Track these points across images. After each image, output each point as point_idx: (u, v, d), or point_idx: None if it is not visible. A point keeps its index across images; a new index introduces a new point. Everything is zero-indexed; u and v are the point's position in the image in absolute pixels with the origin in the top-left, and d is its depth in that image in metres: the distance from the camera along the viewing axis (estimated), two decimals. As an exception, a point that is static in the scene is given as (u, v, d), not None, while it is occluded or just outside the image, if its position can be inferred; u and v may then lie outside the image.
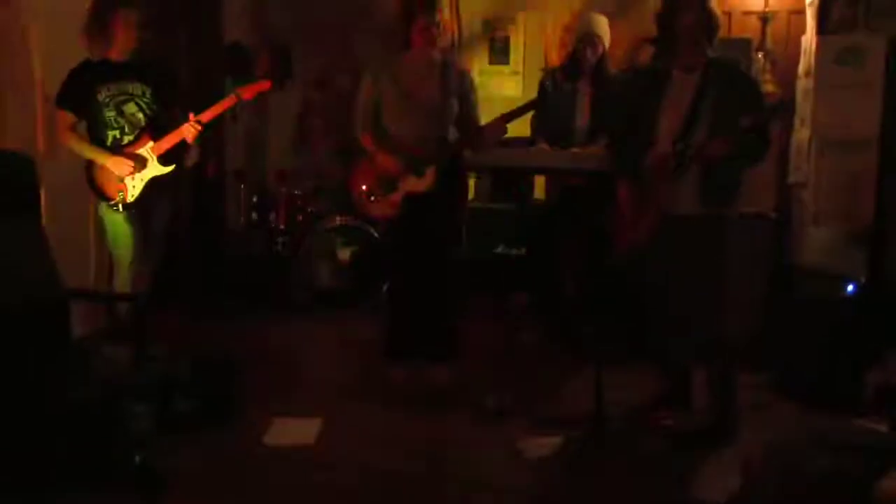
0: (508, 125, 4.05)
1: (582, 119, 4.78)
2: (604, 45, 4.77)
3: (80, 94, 4.04)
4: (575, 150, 4.61)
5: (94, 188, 4.13)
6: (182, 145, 4.13)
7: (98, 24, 3.99)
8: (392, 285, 4.62)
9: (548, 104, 4.81)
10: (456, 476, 3.39)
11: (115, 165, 4.04)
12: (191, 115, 4.06)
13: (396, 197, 4.14)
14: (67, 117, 4.07)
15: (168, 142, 4.09)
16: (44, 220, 3.37)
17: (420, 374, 4.30)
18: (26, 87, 4.43)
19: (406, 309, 4.31)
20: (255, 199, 5.89)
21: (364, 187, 4.21)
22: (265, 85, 4.29)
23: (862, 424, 3.39)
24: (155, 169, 4.11)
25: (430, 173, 4.08)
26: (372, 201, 4.21)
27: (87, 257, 4.80)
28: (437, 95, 4.08)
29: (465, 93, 4.16)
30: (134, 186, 4.10)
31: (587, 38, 4.75)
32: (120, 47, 4.03)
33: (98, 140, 4.09)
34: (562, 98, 4.79)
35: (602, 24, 4.80)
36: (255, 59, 6.35)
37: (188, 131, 4.06)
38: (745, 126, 3.37)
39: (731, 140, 3.43)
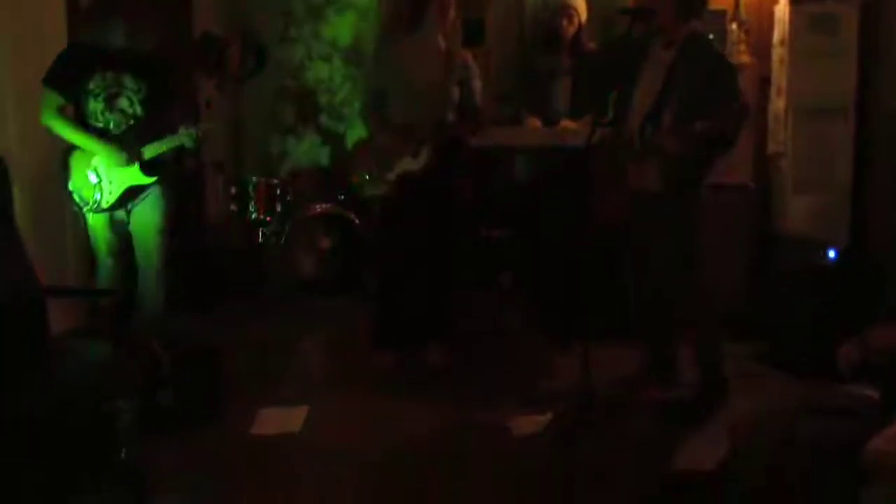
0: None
1: (563, 94, 4.74)
2: (580, 18, 4.73)
3: (71, 76, 3.74)
4: (565, 123, 4.56)
5: (69, 187, 3.88)
6: (173, 154, 3.95)
7: (102, 7, 3.73)
8: (382, 269, 4.59)
9: (528, 81, 4.79)
10: (445, 457, 3.38)
11: (108, 155, 3.76)
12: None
13: (392, 177, 4.16)
14: (55, 99, 3.75)
15: (157, 148, 3.85)
16: (18, 217, 3.29)
17: (411, 357, 4.28)
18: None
19: (396, 293, 4.30)
20: (233, 190, 5.83)
21: (363, 167, 4.30)
22: None
23: (850, 391, 3.40)
24: (134, 176, 3.88)
25: (424, 154, 4.08)
26: (369, 181, 4.29)
27: (65, 253, 4.72)
28: (439, 81, 4.08)
29: (466, 79, 4.18)
30: (110, 192, 3.85)
31: (563, 9, 4.71)
32: (122, 34, 3.76)
33: None
34: (541, 74, 4.75)
35: None
36: (226, 49, 6.26)
37: (187, 140, 3.86)
38: (698, 131, 3.31)
39: (684, 139, 3.38)
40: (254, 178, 5.78)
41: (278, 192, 5.73)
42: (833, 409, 2.28)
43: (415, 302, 4.28)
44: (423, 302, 4.28)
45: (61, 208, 4.51)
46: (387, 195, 4.23)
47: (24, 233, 3.24)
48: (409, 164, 4.12)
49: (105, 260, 4.00)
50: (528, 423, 3.60)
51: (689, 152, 3.42)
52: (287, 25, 6.36)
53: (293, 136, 6.22)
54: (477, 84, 4.21)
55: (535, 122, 4.68)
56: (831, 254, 4.23)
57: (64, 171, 3.90)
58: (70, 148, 3.88)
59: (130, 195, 3.92)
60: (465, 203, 4.37)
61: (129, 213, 3.98)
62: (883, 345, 2.20)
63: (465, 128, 4.16)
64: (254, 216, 5.73)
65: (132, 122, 3.85)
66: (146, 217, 4.00)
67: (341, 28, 6.20)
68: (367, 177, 4.31)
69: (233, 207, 5.83)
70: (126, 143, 3.83)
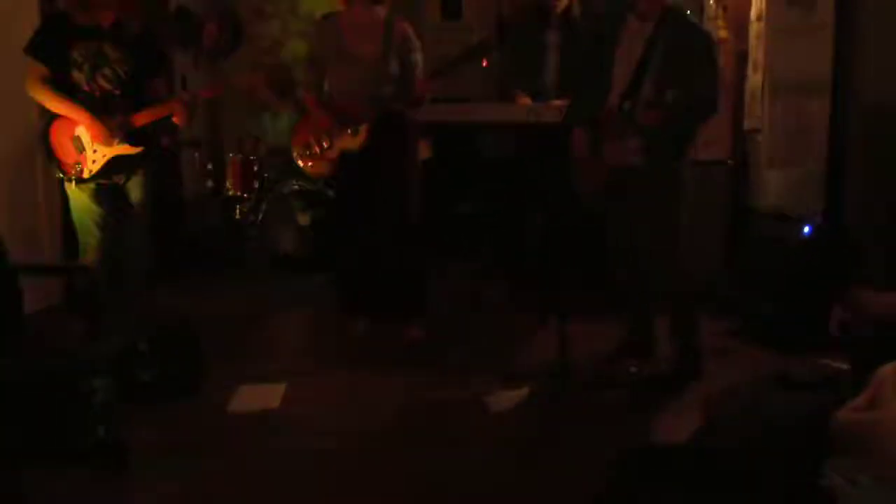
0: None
1: (553, 70, 4.70)
2: None
3: (54, 45, 3.68)
4: (556, 102, 4.50)
5: (50, 156, 3.79)
6: (157, 124, 3.87)
7: None
8: (337, 243, 4.64)
9: (517, 55, 4.75)
10: (423, 432, 3.40)
11: (91, 128, 3.69)
12: (202, 92, 3.83)
13: (332, 154, 4.13)
14: (40, 68, 3.70)
15: (143, 118, 3.77)
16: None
17: (389, 332, 4.30)
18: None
19: (351, 265, 4.32)
20: (210, 167, 5.80)
21: (301, 145, 4.23)
22: None
23: (821, 363, 3.45)
24: (119, 147, 3.78)
25: (362, 131, 4.06)
26: (309, 157, 4.23)
27: (38, 230, 4.68)
28: (378, 54, 4.03)
29: (405, 53, 4.10)
30: (94, 161, 3.76)
31: None
32: (102, 14, 3.72)
33: None
34: (530, 49, 4.69)
35: None
36: (202, 26, 6.19)
37: (177, 108, 3.77)
38: (670, 101, 3.33)
39: (661, 112, 3.39)
40: (230, 155, 5.75)
41: (255, 168, 5.70)
42: (804, 381, 2.30)
43: (372, 276, 4.29)
44: (380, 276, 4.29)
45: (33, 182, 4.47)
46: (331, 173, 4.24)
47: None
48: (348, 141, 4.09)
49: (90, 234, 3.87)
50: (506, 399, 3.62)
51: (668, 124, 3.43)
52: (263, 1, 6.30)
53: (270, 114, 6.18)
54: (417, 57, 4.13)
55: (525, 99, 4.63)
56: (806, 229, 4.26)
57: (44, 142, 3.81)
58: (50, 118, 3.80)
59: (117, 165, 3.82)
60: (408, 179, 4.33)
61: (122, 186, 3.91)
62: (863, 310, 2.21)
63: (404, 103, 4.10)
64: (230, 193, 5.71)
65: (117, 92, 3.78)
66: (126, 192, 3.94)
67: (317, 3, 6.15)
68: (308, 152, 4.23)
69: (210, 184, 5.81)
70: (114, 118, 3.76)
